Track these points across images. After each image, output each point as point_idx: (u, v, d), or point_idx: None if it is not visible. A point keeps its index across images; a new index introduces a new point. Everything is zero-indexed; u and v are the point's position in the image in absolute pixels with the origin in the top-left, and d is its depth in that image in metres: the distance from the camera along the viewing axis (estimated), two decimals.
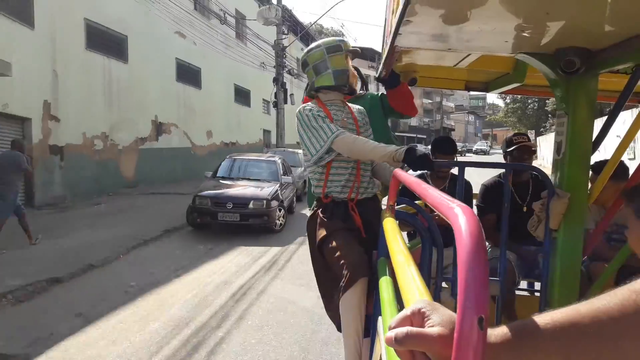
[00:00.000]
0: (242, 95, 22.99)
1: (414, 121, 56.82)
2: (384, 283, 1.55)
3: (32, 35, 10.52)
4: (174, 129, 17.33)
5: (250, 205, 8.59)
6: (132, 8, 13.91)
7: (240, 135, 22.75)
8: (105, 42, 13.37)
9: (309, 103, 2.53)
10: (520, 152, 3.27)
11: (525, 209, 3.14)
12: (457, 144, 3.73)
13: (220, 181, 9.73)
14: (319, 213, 2.47)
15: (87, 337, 4.16)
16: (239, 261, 6.85)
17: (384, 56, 2.42)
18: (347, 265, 2.12)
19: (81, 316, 4.60)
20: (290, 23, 22.33)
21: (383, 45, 2.49)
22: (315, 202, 2.56)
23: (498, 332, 0.59)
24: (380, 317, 1.52)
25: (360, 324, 2.12)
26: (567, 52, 1.89)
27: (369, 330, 2.15)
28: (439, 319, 0.61)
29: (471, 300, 0.52)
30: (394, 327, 0.62)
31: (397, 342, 0.60)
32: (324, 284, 2.43)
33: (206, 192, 8.87)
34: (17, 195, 7.13)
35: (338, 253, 2.21)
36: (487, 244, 3.48)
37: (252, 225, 8.66)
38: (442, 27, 1.74)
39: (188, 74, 18.10)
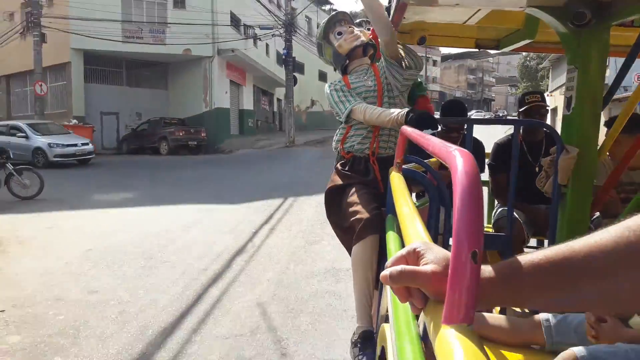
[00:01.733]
0: (322, 77, 34.65)
1: (458, 93, 69.57)
2: (391, 238, 1.59)
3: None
4: (316, 102, 34.63)
5: None
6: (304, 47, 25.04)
7: (324, 102, 35.95)
8: (300, 68, 29.27)
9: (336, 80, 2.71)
10: (530, 112, 3.24)
11: (537, 168, 3.12)
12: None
13: None
14: (338, 166, 2.56)
15: None
16: None
17: (391, 13, 2.38)
18: (357, 220, 2.16)
19: None
20: None
21: (390, 2, 2.44)
22: (338, 157, 2.64)
23: (492, 268, 0.61)
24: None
25: (371, 278, 2.17)
26: (577, 4, 1.84)
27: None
28: (433, 257, 0.63)
29: (465, 234, 0.55)
30: (390, 266, 0.65)
31: (391, 280, 0.63)
32: (340, 233, 2.48)
33: None
34: None
35: (352, 208, 2.25)
36: (496, 202, 3.49)
37: None
38: None
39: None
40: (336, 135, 2.62)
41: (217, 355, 3.09)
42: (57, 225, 6.85)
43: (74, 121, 17.98)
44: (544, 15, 2.00)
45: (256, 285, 4.37)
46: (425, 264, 0.63)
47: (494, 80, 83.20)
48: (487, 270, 0.61)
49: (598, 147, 2.25)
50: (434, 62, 69.63)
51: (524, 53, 40.86)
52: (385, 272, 0.64)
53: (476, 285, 0.54)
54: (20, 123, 16.13)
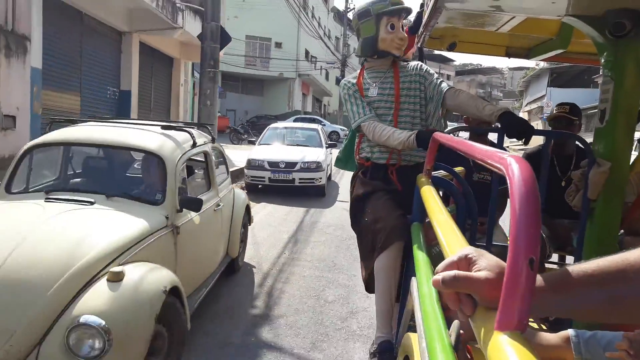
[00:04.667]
0: None
1: None
2: (418, 246, 1.57)
3: None
4: None
5: None
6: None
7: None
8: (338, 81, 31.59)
9: (350, 76, 2.59)
10: (557, 123, 3.17)
11: (564, 183, 3.05)
12: None
13: None
14: (360, 174, 2.53)
15: None
16: None
17: (425, 17, 2.37)
18: (383, 228, 2.14)
19: None
20: None
21: (424, 7, 2.44)
22: (357, 165, 2.62)
23: (543, 277, 0.61)
24: (414, 278, 1.55)
25: (394, 286, 2.15)
26: (617, 14, 1.81)
27: (399, 296, 2.18)
28: (486, 264, 0.63)
29: (522, 241, 0.54)
30: (441, 271, 0.65)
31: (444, 284, 0.63)
32: (363, 243, 2.45)
33: None
34: None
35: (375, 215, 2.23)
36: None
37: None
38: None
39: None
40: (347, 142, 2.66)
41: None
42: None
43: (219, 114, 30.06)
44: (581, 24, 1.97)
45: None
46: (478, 270, 0.62)
47: (501, 94, 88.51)
48: (538, 278, 0.61)
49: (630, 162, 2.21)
50: (448, 77, 73.70)
51: (525, 71, 43.51)
52: (437, 277, 0.63)
53: (531, 292, 0.54)
54: (318, 117, 29.76)
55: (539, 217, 0.55)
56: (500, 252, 1.05)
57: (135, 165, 3.81)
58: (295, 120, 25.21)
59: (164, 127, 3.43)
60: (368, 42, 2.43)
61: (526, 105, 38.58)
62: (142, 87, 12.71)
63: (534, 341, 1.53)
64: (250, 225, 4.94)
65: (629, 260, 0.59)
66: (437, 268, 0.67)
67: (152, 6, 10.13)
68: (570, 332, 1.50)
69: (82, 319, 2.04)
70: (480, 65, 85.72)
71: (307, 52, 35.42)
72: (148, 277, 2.33)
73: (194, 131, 3.58)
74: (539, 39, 2.90)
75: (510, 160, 0.63)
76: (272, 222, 6.57)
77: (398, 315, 2.14)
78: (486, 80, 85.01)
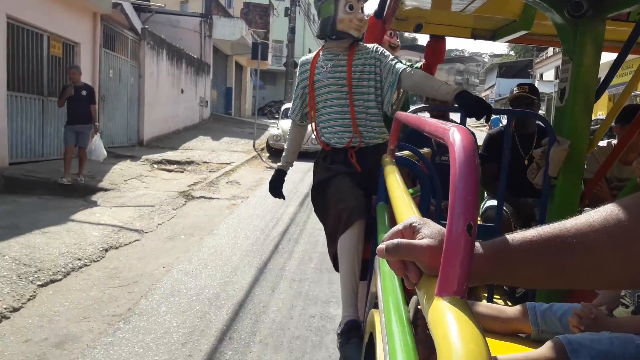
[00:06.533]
0: None
1: None
2: (382, 226, 1.59)
3: None
4: None
5: None
6: None
7: None
8: None
9: (312, 54, 2.58)
10: (518, 102, 3.20)
11: (526, 162, 3.11)
12: None
13: None
14: (320, 160, 2.53)
15: None
16: None
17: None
18: (345, 208, 2.15)
19: None
20: None
21: None
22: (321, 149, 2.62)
23: (484, 244, 0.62)
24: (377, 256, 1.57)
25: (357, 265, 2.17)
26: None
27: (366, 274, 2.20)
28: (429, 232, 0.63)
29: (461, 207, 0.54)
30: (386, 240, 0.65)
31: (387, 252, 0.63)
32: (327, 225, 2.45)
33: None
34: None
35: (336, 197, 2.24)
36: (485, 194, 3.51)
37: None
38: None
39: None
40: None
41: None
42: None
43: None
44: (541, 4, 2.00)
45: None
46: (422, 238, 0.63)
47: (477, 81, 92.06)
48: (479, 245, 0.62)
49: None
50: None
51: (496, 60, 51.01)
52: (381, 245, 0.64)
53: (470, 258, 0.54)
54: None
55: (477, 184, 0.55)
56: None
57: None
58: None
59: None
60: (327, 22, 2.40)
61: (483, 92, 50.02)
62: (235, 84, 24.75)
63: (495, 315, 1.58)
64: None
65: (565, 227, 0.60)
66: (383, 237, 0.67)
67: (248, 42, 18.89)
68: (527, 304, 1.55)
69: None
70: (465, 50, 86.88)
71: (309, 50, 43.51)
72: None
73: None
74: (503, 21, 2.93)
75: (452, 130, 0.63)
76: None
77: (366, 293, 2.16)
78: (464, 68, 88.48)
